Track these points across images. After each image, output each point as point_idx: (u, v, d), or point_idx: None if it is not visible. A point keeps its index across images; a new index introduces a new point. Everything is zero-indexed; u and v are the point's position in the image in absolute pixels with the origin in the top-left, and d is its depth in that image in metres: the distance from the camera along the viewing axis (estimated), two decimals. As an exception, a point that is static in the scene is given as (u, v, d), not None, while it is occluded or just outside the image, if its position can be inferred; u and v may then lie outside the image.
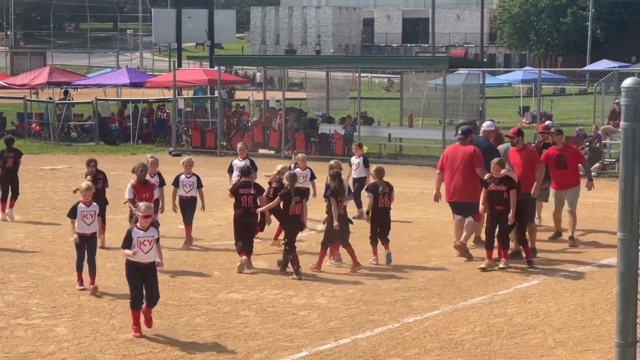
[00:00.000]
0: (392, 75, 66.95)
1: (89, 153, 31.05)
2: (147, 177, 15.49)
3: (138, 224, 11.32)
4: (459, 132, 16.40)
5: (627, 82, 4.64)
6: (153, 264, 11.25)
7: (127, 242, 11.18)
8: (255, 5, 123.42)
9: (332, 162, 16.00)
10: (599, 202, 22.53)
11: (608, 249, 16.22)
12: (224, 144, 34.36)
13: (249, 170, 15.35)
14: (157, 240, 11.36)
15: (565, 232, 17.17)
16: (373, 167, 16.13)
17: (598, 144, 29.29)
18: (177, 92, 37.32)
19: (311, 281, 14.17)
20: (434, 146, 30.64)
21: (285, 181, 14.73)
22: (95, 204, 13.41)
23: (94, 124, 38.97)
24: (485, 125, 17.58)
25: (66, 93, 45.31)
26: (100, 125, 38.44)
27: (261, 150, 32.86)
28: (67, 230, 16.98)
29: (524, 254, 15.24)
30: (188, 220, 16.75)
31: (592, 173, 27.80)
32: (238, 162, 17.71)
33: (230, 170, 18.11)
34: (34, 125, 41.58)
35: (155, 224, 11.87)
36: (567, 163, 16.77)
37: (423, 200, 21.61)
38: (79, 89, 48.56)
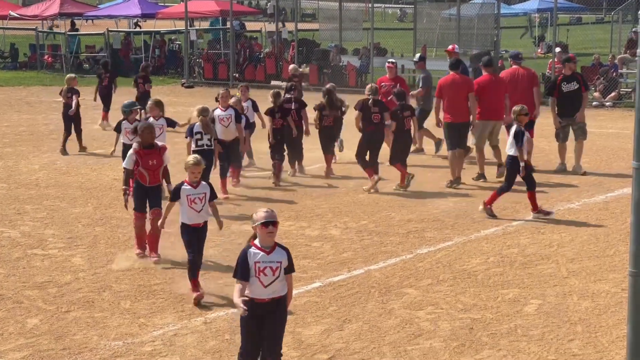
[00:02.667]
0: (405, 6, 66.29)
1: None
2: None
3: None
4: (519, 57, 17.86)
5: (645, 9, 4.56)
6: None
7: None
8: None
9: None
10: (615, 132, 22.45)
11: (623, 179, 16.18)
12: (237, 75, 34.26)
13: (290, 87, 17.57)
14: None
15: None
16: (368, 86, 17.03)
17: (615, 74, 29.04)
18: (189, 24, 37.06)
19: (324, 212, 14.21)
20: (447, 77, 30.35)
21: (270, 98, 16.47)
22: (204, 183, 10.28)
23: (106, 55, 38.84)
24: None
25: (73, 24, 45.07)
26: (112, 56, 38.31)
27: (274, 82, 32.75)
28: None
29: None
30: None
31: (608, 103, 27.75)
32: (220, 112, 15.26)
33: (212, 121, 14.92)
34: (46, 57, 41.49)
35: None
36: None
37: (438, 132, 21.51)
38: (90, 20, 48.28)
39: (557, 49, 29.81)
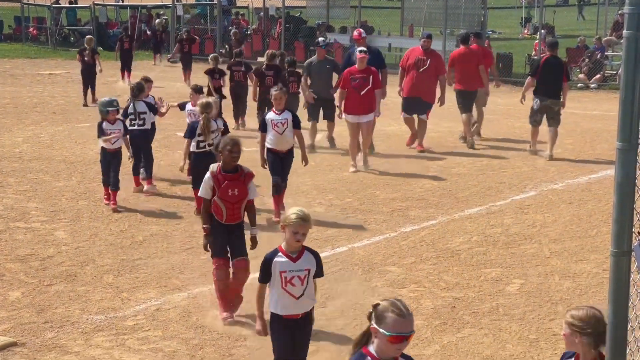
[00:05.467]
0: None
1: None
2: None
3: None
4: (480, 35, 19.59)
5: (632, -10, 4.55)
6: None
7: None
8: None
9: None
10: (599, 114, 22.52)
11: (606, 160, 16.24)
12: (223, 51, 34.10)
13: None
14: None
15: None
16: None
17: (599, 55, 29.09)
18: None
19: (309, 189, 14.21)
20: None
21: (210, 61, 18.80)
22: (309, 255, 6.83)
23: (91, 29, 38.64)
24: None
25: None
26: (98, 30, 38.12)
27: (260, 58, 32.61)
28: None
29: None
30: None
31: (593, 85, 27.82)
32: (273, 116, 12.28)
33: (264, 128, 12.28)
34: (31, 29, 41.25)
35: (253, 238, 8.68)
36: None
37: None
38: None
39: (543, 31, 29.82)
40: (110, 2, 46.01)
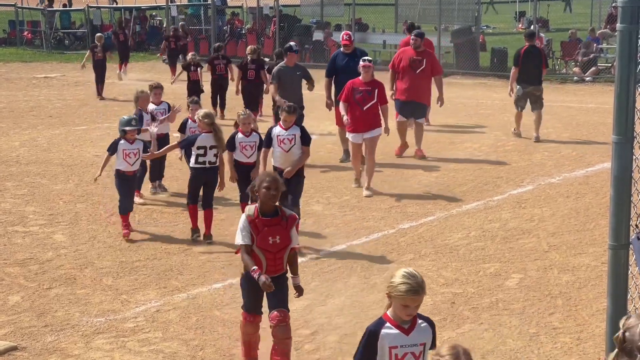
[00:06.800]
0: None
1: (81, 61, 30.74)
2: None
3: None
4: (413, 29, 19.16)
5: (625, -17, 4.57)
6: None
7: None
8: None
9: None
10: (594, 107, 22.53)
11: (603, 153, 16.26)
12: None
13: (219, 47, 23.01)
14: None
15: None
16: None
17: (594, 47, 29.05)
18: (169, -1, 36.87)
19: (306, 188, 14.20)
20: (429, 52, 30.38)
21: (188, 56, 21.47)
22: (424, 325, 5.33)
23: (86, 31, 38.63)
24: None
25: (51, 1, 44.84)
26: (92, 32, 38.07)
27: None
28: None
29: None
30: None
31: (588, 78, 27.82)
32: (280, 131, 11.24)
33: (268, 143, 11.28)
34: (25, 33, 41.24)
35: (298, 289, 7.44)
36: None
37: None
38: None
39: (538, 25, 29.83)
40: (104, 4, 45.99)
